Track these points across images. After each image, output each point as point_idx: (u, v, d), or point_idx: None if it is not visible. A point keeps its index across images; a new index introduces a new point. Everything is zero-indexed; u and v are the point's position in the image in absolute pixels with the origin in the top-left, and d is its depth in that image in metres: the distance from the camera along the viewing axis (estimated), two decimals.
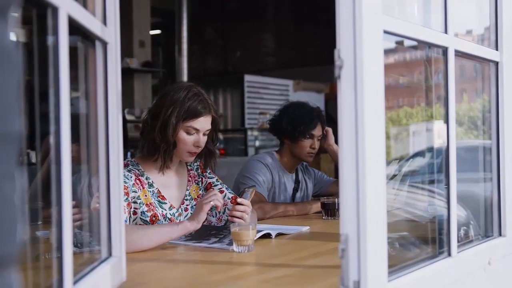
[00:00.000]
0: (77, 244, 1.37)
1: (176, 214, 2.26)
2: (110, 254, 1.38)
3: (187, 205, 2.32)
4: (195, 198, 2.35)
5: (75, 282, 1.09)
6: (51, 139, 1.01)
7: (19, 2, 0.61)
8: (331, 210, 2.64)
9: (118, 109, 1.39)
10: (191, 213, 2.29)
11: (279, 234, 2.18)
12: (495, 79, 1.81)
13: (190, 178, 2.38)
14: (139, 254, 1.87)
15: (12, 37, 0.58)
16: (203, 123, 2.20)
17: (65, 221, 1.01)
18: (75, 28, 1.12)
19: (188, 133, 2.19)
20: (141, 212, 2.14)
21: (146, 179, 2.22)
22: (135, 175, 2.17)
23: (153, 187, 2.22)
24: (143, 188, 2.18)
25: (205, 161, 2.36)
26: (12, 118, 0.55)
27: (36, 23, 1.04)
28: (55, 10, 0.99)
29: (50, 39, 1.02)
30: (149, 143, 2.20)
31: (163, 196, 2.23)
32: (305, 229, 2.35)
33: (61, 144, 1.01)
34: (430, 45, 1.56)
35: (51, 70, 1.01)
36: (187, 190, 2.34)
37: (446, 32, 1.51)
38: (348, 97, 1.18)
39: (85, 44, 1.32)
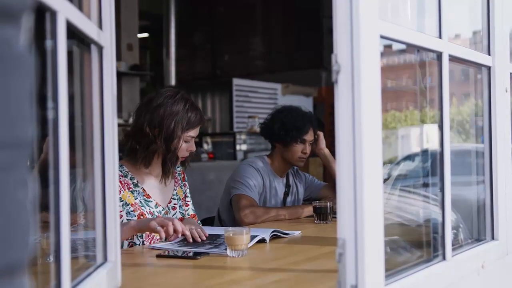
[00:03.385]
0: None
1: (163, 212, 2.33)
2: (105, 259, 1.37)
3: (174, 204, 2.40)
4: (182, 198, 2.44)
5: None
6: (50, 143, 1.00)
7: (31, 8, 0.61)
8: (323, 214, 2.64)
9: (113, 113, 1.39)
10: (179, 211, 2.40)
11: (274, 236, 2.18)
12: (487, 84, 1.83)
13: (176, 180, 2.46)
14: (134, 259, 1.86)
15: (25, 42, 0.57)
16: (198, 130, 2.35)
17: (63, 227, 1.01)
18: (71, 32, 1.11)
19: (186, 141, 2.30)
20: (126, 212, 2.20)
21: (131, 179, 2.28)
22: None
23: (138, 187, 2.28)
24: (125, 190, 2.24)
25: (184, 159, 2.40)
26: (25, 123, 0.55)
27: (34, 27, 1.03)
28: (53, 14, 0.99)
29: (48, 43, 1.01)
30: (151, 153, 2.26)
31: (148, 195, 2.30)
32: (297, 233, 2.35)
33: (59, 148, 1.00)
34: (425, 50, 1.57)
35: (49, 74, 1.00)
36: (174, 190, 2.43)
37: (440, 37, 1.52)
38: (346, 101, 1.18)
39: (80, 48, 1.32)
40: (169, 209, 2.36)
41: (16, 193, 0.54)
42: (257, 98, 8.29)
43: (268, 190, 3.03)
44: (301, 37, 9.36)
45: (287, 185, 3.15)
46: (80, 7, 1.25)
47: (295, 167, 3.21)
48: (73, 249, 1.43)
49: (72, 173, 1.41)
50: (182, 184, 2.49)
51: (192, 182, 4.47)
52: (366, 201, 1.16)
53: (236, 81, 8.16)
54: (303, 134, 2.99)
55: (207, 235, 2.11)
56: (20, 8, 0.56)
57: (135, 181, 2.28)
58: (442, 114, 1.53)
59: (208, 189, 5.63)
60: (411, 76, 1.92)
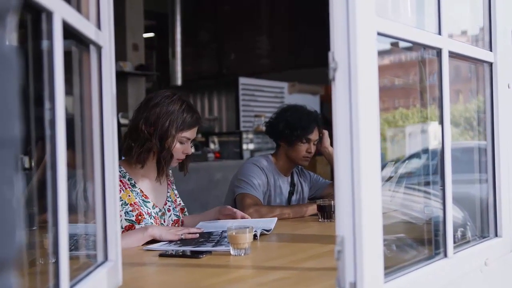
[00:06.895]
0: (70, 247, 1.37)
1: (160, 214, 2.37)
2: (106, 258, 1.38)
3: (169, 206, 2.44)
4: (174, 201, 2.48)
5: (71, 287, 1.09)
6: (47, 144, 1.01)
7: (17, 7, 0.62)
8: (327, 212, 2.64)
9: (113, 114, 1.39)
10: (173, 214, 2.44)
11: (262, 234, 2.21)
12: (489, 80, 1.82)
13: (169, 183, 2.51)
14: (135, 258, 1.87)
15: (10, 42, 0.58)
16: (194, 133, 2.37)
17: (61, 226, 1.01)
18: (69, 32, 1.11)
19: (181, 142, 2.33)
20: (125, 212, 2.23)
21: (129, 180, 2.31)
22: None
23: (136, 187, 2.32)
24: (126, 189, 2.27)
25: (182, 163, 2.42)
26: (11, 122, 0.56)
27: (30, 27, 1.04)
28: (49, 14, 0.99)
29: (44, 44, 1.01)
30: (145, 151, 2.28)
31: (146, 195, 2.33)
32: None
33: (57, 149, 1.00)
34: (424, 47, 1.56)
35: (45, 75, 1.01)
36: (168, 192, 2.47)
37: (440, 33, 1.52)
38: (343, 99, 1.18)
39: (79, 48, 1.32)
40: (165, 211, 2.40)
41: (2, 191, 0.55)
42: (263, 97, 8.29)
43: (272, 189, 3.03)
44: (306, 35, 9.33)
45: (292, 184, 3.15)
46: (78, 7, 1.26)
47: (300, 166, 3.21)
48: (76, 248, 1.44)
49: (75, 175, 1.42)
50: (173, 187, 2.53)
51: (198, 182, 4.46)
52: (364, 198, 1.16)
53: (242, 80, 8.16)
54: (308, 134, 2.99)
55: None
56: (5, 9, 0.56)
57: (132, 181, 2.31)
58: (443, 110, 1.53)
59: (215, 188, 5.63)
60: (418, 74, 1.92)
